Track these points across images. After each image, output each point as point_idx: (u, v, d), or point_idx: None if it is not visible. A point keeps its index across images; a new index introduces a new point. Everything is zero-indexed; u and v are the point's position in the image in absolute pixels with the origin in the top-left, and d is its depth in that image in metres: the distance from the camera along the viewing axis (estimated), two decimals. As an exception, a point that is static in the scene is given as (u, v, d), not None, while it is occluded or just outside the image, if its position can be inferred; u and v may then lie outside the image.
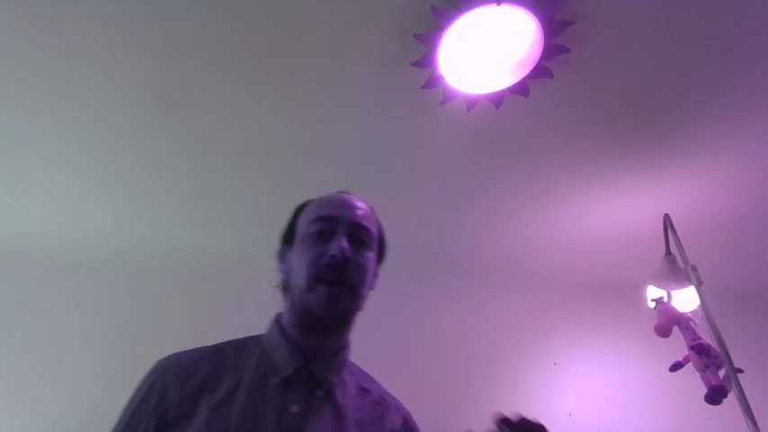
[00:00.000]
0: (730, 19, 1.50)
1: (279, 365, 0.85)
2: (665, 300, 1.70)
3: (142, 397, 0.81)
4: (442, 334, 2.39)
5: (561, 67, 1.58)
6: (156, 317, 2.15)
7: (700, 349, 1.59)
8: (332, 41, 1.53)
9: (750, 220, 2.28)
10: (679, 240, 1.65)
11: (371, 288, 0.93)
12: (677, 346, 1.67)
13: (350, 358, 0.95)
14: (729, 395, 1.49)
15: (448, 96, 1.66)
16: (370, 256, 0.92)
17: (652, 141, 1.90)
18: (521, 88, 1.62)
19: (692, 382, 1.66)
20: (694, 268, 1.56)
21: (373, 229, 0.95)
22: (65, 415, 1.81)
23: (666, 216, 1.73)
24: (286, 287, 0.93)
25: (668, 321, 1.65)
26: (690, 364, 1.63)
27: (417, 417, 0.97)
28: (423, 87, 1.62)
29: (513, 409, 0.63)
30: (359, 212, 0.93)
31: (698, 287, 1.54)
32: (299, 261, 0.88)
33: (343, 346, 0.92)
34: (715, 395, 1.51)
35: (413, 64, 1.55)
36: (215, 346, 0.89)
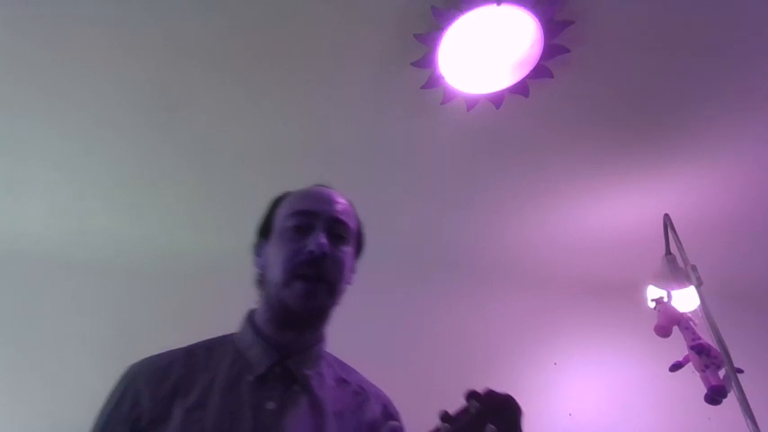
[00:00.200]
0: (730, 19, 1.50)
1: (253, 363, 0.84)
2: (665, 300, 1.70)
3: (114, 405, 0.80)
4: (442, 334, 2.38)
5: (561, 67, 1.58)
6: (156, 317, 2.14)
7: (700, 349, 1.59)
8: (332, 41, 1.53)
9: (750, 220, 2.28)
10: (679, 240, 1.65)
11: (348, 283, 0.92)
12: (677, 346, 1.67)
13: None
14: (729, 395, 1.49)
15: (448, 96, 1.66)
16: (348, 250, 0.91)
17: (652, 141, 1.90)
18: (521, 88, 1.62)
19: (692, 382, 1.66)
20: (694, 268, 1.56)
21: (351, 224, 0.94)
22: (65, 415, 1.81)
23: (666, 216, 1.73)
24: (261, 281, 0.92)
25: (668, 321, 1.65)
26: (690, 364, 1.63)
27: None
28: (423, 87, 1.62)
29: (484, 385, 0.63)
30: (337, 207, 0.92)
31: (698, 287, 1.54)
32: (276, 256, 0.87)
33: (318, 340, 0.91)
34: (715, 395, 1.51)
35: (413, 64, 1.55)
36: (187, 347, 0.88)
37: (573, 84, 1.66)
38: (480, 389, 0.63)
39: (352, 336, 2.07)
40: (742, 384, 1.39)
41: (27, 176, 1.93)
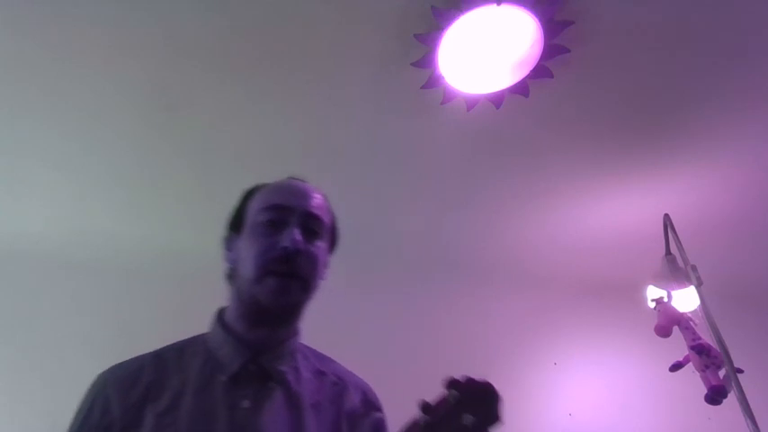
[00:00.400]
0: (730, 19, 1.50)
1: (225, 363, 0.82)
2: (665, 300, 1.70)
3: (84, 415, 0.79)
4: (442, 334, 2.38)
5: (561, 67, 1.58)
6: (156, 317, 2.14)
7: (700, 349, 1.59)
8: (332, 41, 1.53)
9: (750, 220, 2.28)
10: (679, 240, 1.65)
11: (322, 278, 0.89)
12: (677, 346, 1.67)
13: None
14: (729, 395, 1.49)
15: (448, 96, 1.66)
16: (322, 246, 0.89)
17: (652, 141, 1.90)
18: (521, 88, 1.62)
19: (692, 382, 1.66)
20: (694, 268, 1.56)
21: (326, 219, 0.92)
22: (65, 415, 1.80)
23: (666, 216, 1.73)
24: (232, 276, 0.89)
25: (668, 321, 1.65)
26: (690, 364, 1.64)
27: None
28: (423, 87, 1.62)
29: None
30: (312, 202, 0.90)
31: (698, 287, 1.54)
32: (248, 251, 0.85)
33: (292, 335, 0.89)
34: (715, 395, 1.51)
35: (413, 64, 1.55)
36: (156, 351, 0.87)
37: (573, 84, 1.66)
38: (460, 376, 0.63)
39: (352, 335, 2.08)
40: (742, 384, 1.39)
41: (27, 176, 1.93)
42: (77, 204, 2.06)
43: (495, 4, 1.39)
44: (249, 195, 0.95)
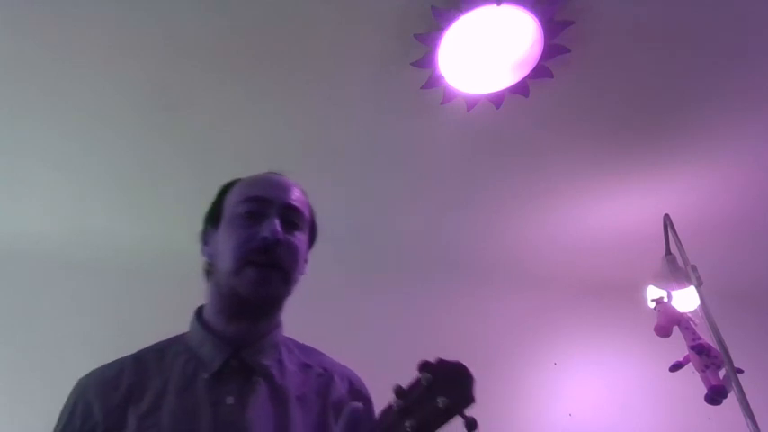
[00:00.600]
0: (730, 19, 1.50)
1: (206, 361, 0.80)
2: (665, 300, 1.70)
3: (66, 420, 0.78)
4: (442, 334, 2.38)
5: (561, 67, 1.58)
6: (156, 317, 2.13)
7: (700, 349, 1.59)
8: (332, 41, 1.53)
9: (750, 220, 2.28)
10: (679, 240, 1.65)
11: (302, 273, 0.88)
12: (677, 346, 1.67)
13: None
14: (729, 395, 1.49)
15: (448, 96, 1.66)
16: (302, 237, 0.88)
17: (652, 141, 1.90)
18: (521, 88, 1.62)
19: (692, 382, 1.66)
20: (694, 268, 1.56)
21: (306, 212, 0.91)
22: (65, 415, 1.81)
23: (666, 216, 1.73)
24: (210, 271, 0.88)
25: (668, 321, 1.65)
26: (690, 364, 1.63)
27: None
28: (423, 87, 1.62)
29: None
30: (291, 194, 0.89)
31: (698, 287, 1.54)
32: (226, 243, 0.83)
33: (273, 328, 0.88)
34: (715, 395, 1.51)
35: (413, 64, 1.55)
36: (136, 353, 0.86)
37: (573, 84, 1.66)
38: (432, 358, 0.63)
39: (352, 335, 2.08)
40: (742, 384, 1.39)
41: (27, 176, 1.93)
42: (77, 204, 2.06)
43: (495, 5, 1.39)
44: (226, 189, 0.94)
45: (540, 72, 1.57)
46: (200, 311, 0.89)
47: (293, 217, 0.87)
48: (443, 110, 1.71)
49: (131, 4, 1.40)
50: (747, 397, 1.38)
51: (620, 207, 2.22)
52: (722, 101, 1.75)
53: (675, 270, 1.70)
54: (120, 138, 1.80)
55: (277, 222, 0.83)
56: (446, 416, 0.60)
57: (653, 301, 1.73)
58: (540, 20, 1.42)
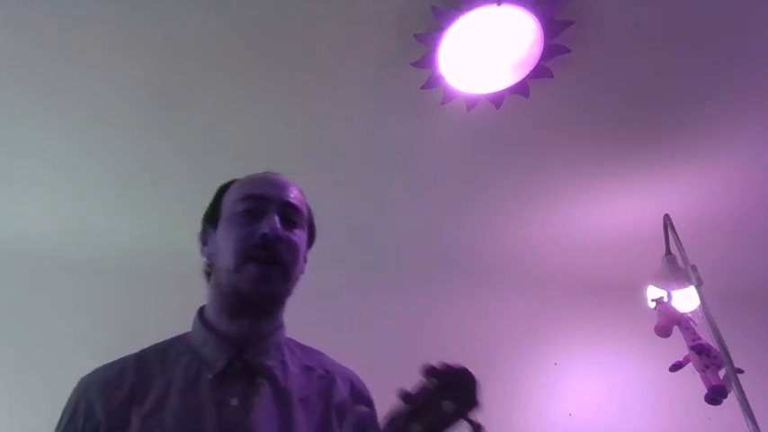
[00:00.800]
0: (730, 19, 1.50)
1: (209, 361, 0.80)
2: (665, 300, 1.70)
3: (68, 420, 0.78)
4: (442, 334, 2.38)
5: (561, 67, 1.58)
6: (156, 317, 2.14)
7: (700, 349, 1.59)
8: (332, 41, 1.53)
9: (750, 220, 2.28)
10: (679, 240, 1.65)
11: (302, 271, 0.88)
12: (677, 346, 1.67)
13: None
14: (729, 395, 1.49)
15: (448, 96, 1.66)
16: (302, 235, 0.88)
17: (652, 141, 1.90)
18: (521, 88, 1.62)
19: (692, 382, 1.66)
20: (694, 268, 1.56)
21: (304, 211, 0.91)
22: (65, 415, 1.81)
23: (666, 216, 1.73)
24: (209, 272, 0.88)
25: (668, 321, 1.65)
26: (690, 364, 1.64)
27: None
28: (423, 87, 1.62)
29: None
30: (289, 192, 0.89)
31: (698, 287, 1.54)
32: (226, 241, 0.83)
33: (276, 328, 0.88)
34: (715, 395, 1.51)
35: (413, 64, 1.55)
36: (138, 352, 0.85)
37: (573, 84, 1.66)
38: (433, 359, 0.64)
39: (352, 335, 2.08)
40: (742, 384, 1.39)
41: (27, 176, 1.92)
42: (77, 204, 2.06)
43: (495, 5, 1.39)
44: (224, 189, 0.94)
45: (540, 72, 1.57)
46: (201, 312, 0.89)
47: (292, 215, 0.87)
48: (443, 110, 1.71)
49: (131, 4, 1.40)
50: (747, 397, 1.38)
51: (620, 207, 2.22)
52: (722, 101, 1.75)
53: (675, 270, 1.70)
54: (120, 138, 1.80)
55: (276, 219, 0.83)
56: (452, 420, 0.61)
57: (653, 301, 1.73)
58: (540, 20, 1.42)
